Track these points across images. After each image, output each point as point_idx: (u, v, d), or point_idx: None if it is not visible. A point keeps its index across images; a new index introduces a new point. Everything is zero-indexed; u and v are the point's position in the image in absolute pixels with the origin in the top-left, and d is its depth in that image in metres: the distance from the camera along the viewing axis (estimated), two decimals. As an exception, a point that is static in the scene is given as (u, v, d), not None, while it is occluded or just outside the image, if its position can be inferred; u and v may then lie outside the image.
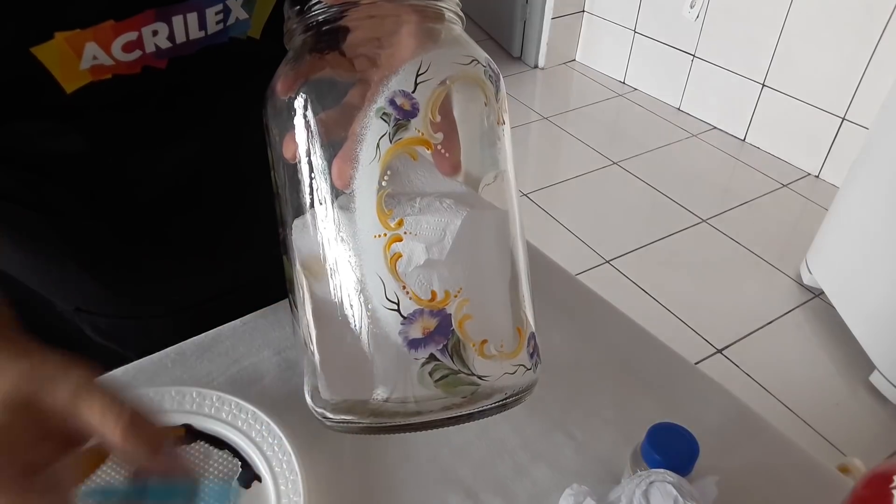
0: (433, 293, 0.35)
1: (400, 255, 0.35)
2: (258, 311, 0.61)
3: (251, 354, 0.57)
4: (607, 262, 1.93)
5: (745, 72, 2.42)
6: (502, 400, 0.38)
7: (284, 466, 0.47)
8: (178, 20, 0.42)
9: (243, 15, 0.46)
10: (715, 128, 2.58)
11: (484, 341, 0.36)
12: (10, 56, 0.39)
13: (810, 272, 1.81)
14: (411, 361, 0.35)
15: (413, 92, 0.36)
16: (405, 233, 0.35)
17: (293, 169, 0.38)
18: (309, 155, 0.37)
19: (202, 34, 0.44)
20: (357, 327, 0.36)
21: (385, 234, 0.35)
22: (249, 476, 0.47)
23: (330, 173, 0.36)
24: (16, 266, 0.55)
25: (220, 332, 0.59)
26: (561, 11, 2.85)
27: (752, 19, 2.34)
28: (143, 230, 0.54)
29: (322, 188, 0.37)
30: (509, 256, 0.40)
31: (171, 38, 0.43)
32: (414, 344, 0.35)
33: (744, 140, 2.50)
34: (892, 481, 0.34)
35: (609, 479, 0.49)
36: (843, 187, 1.75)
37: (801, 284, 1.86)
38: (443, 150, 0.36)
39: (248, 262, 0.61)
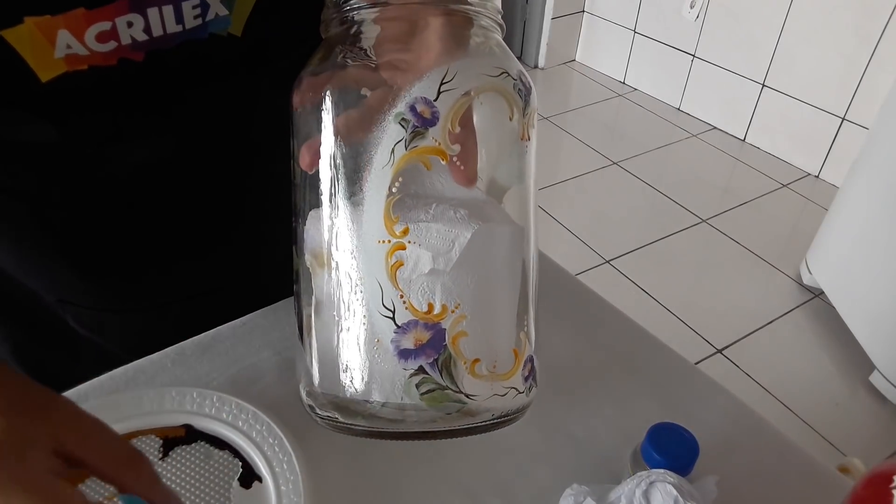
0: (430, 305, 0.35)
1: (401, 264, 0.35)
2: (258, 311, 0.61)
3: (251, 354, 0.57)
4: (607, 262, 1.94)
5: (745, 72, 2.42)
6: (489, 421, 0.38)
7: (285, 467, 0.47)
8: (153, 12, 0.42)
9: (223, 11, 0.46)
10: (715, 128, 2.58)
11: (476, 360, 0.36)
12: None
13: (810, 272, 1.81)
14: (400, 371, 0.35)
15: (435, 100, 0.35)
16: (409, 242, 0.35)
17: None
18: (327, 153, 0.37)
19: (179, 28, 0.44)
20: (352, 328, 0.36)
21: (389, 241, 0.35)
22: (249, 476, 0.47)
23: (346, 173, 0.36)
24: (0, 256, 0.55)
25: (220, 332, 0.59)
26: (561, 11, 2.85)
27: (752, 19, 2.34)
28: (122, 222, 0.54)
29: (337, 186, 0.37)
30: (518, 276, 0.39)
31: (147, 30, 0.43)
32: (405, 354, 0.35)
33: (744, 140, 2.50)
34: (892, 481, 0.34)
35: (609, 479, 0.49)
36: (843, 187, 1.76)
37: (801, 284, 1.87)
38: (458, 163, 0.35)
39: (228, 261, 0.60)
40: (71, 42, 0.41)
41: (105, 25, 0.41)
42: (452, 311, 0.35)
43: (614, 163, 2.37)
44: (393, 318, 0.35)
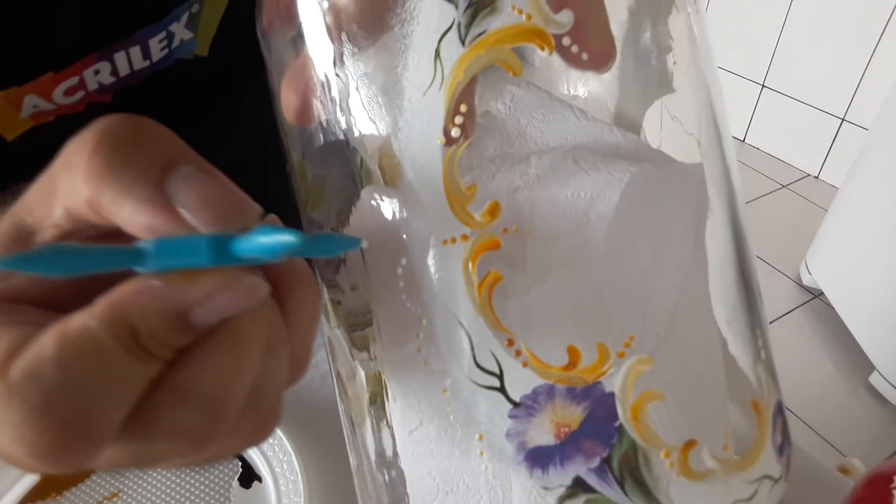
0: (573, 351, 0.18)
1: (499, 278, 0.17)
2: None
3: (251, 354, 0.57)
4: (607, 262, 1.94)
5: (744, 72, 2.42)
6: None
7: (284, 466, 0.47)
8: (120, 56, 0.41)
9: (188, 35, 0.44)
10: (715, 128, 2.58)
11: (690, 444, 0.18)
12: None
13: (810, 273, 1.81)
14: (537, 494, 0.18)
15: None
16: (505, 230, 0.17)
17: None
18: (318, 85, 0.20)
19: (147, 63, 0.43)
20: (430, 419, 0.20)
21: (465, 238, 0.17)
22: (249, 476, 0.47)
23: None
24: None
25: (221, 332, 0.59)
26: (561, 12, 2.85)
27: (752, 20, 2.34)
28: None
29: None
30: (725, 254, 0.21)
31: (114, 73, 0.41)
32: (538, 459, 0.18)
33: (743, 141, 2.51)
34: (892, 482, 0.34)
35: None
36: (842, 188, 1.76)
37: (801, 285, 1.87)
38: (574, 46, 0.17)
39: None
40: (38, 103, 0.39)
41: (73, 81, 0.39)
42: (620, 356, 0.18)
43: (614, 163, 2.37)
44: (502, 389, 0.18)
